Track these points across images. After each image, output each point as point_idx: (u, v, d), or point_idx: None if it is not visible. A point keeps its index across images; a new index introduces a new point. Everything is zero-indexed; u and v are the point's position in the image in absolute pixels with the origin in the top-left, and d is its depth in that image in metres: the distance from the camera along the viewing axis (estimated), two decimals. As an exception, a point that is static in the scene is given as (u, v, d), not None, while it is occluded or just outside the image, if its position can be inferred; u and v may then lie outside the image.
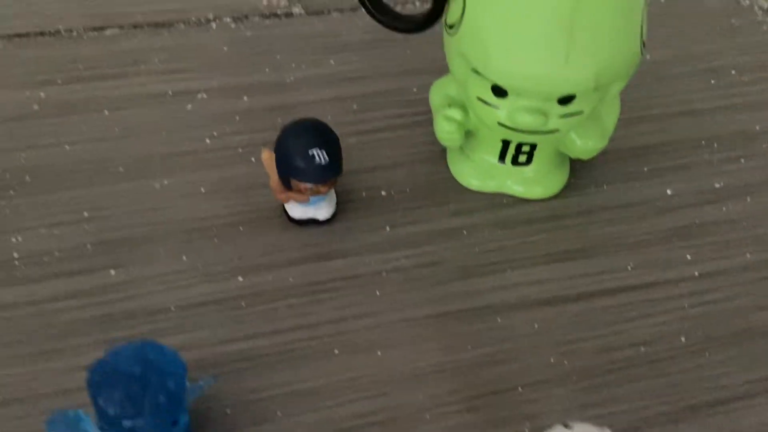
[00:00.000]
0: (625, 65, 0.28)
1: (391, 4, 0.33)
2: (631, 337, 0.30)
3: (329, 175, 0.30)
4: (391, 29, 0.32)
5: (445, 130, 0.32)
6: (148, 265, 0.31)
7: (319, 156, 0.29)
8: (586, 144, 0.32)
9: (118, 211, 0.32)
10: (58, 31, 0.40)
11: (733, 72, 0.42)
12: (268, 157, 0.30)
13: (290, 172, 0.29)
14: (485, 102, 0.29)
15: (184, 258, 0.31)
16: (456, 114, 0.32)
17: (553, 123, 0.29)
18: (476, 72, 0.29)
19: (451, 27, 0.29)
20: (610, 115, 0.32)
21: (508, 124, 0.29)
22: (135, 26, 0.41)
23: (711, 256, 0.33)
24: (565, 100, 0.28)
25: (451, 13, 0.29)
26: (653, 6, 0.45)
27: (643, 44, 0.28)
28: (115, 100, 0.37)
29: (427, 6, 0.31)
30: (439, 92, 0.33)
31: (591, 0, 0.26)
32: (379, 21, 0.32)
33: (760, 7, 0.46)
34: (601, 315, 0.31)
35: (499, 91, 0.28)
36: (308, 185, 0.30)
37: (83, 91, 0.37)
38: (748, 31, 0.44)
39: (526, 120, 0.29)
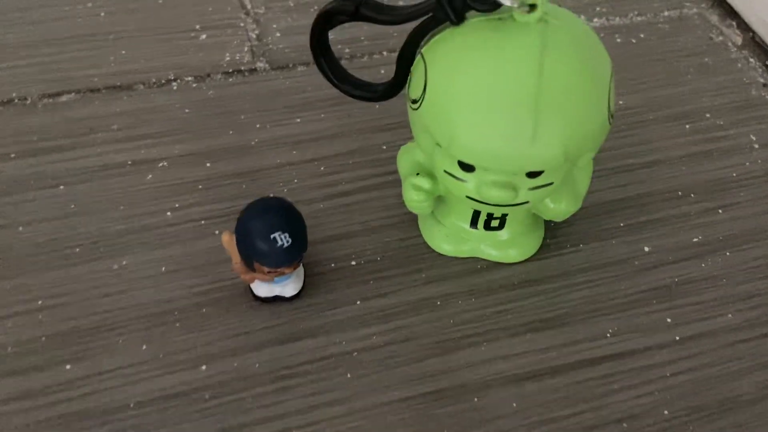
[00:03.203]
0: (593, 138, 0.27)
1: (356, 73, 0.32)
2: (612, 412, 0.29)
3: (293, 257, 0.28)
4: (351, 97, 0.31)
5: (414, 199, 0.31)
6: (105, 357, 0.29)
7: (282, 239, 0.28)
8: (559, 207, 0.31)
9: (74, 298, 0.31)
10: (11, 100, 0.39)
11: (707, 115, 0.41)
12: (228, 239, 0.29)
13: (252, 256, 0.28)
14: (453, 175, 0.28)
15: (144, 347, 0.30)
16: (424, 183, 0.30)
17: (523, 195, 0.28)
18: (442, 146, 0.27)
19: (414, 102, 0.28)
20: (583, 178, 0.31)
21: (476, 197, 0.28)
22: (92, 90, 0.40)
23: (692, 317, 0.32)
24: (534, 174, 0.27)
25: (413, 88, 0.28)
26: (623, 48, 0.44)
27: (611, 115, 0.27)
28: (71, 174, 0.36)
29: (391, 75, 0.30)
30: (406, 158, 0.32)
31: (556, 77, 0.25)
32: (339, 89, 0.31)
33: (734, 43, 0.46)
34: (582, 389, 0.30)
35: (466, 166, 0.27)
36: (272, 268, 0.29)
37: (37, 165, 0.36)
38: (721, 70, 0.44)
39: (495, 194, 0.27)
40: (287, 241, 0.28)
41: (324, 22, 0.29)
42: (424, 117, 0.27)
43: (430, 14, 0.27)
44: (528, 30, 0.25)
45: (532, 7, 0.25)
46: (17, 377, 0.29)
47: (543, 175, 0.27)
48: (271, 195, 0.35)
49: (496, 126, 0.25)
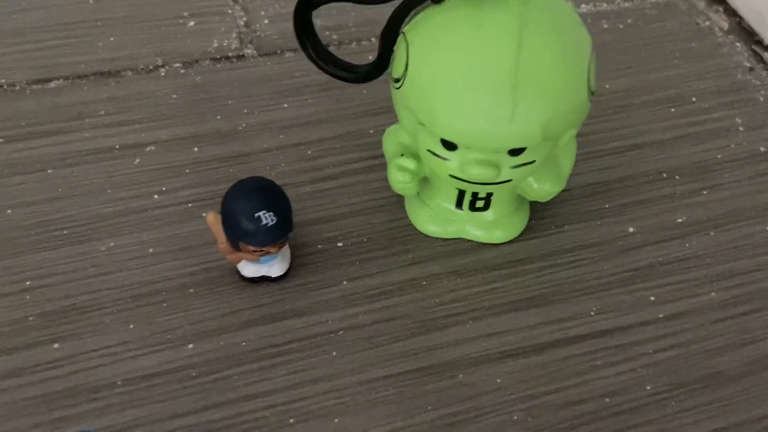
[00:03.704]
0: (572, 115, 0.27)
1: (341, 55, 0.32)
2: (595, 388, 0.29)
3: (278, 236, 0.29)
4: (336, 78, 0.31)
5: (399, 180, 0.31)
6: (93, 336, 0.29)
7: (266, 218, 0.28)
8: (542, 187, 0.31)
9: (61, 279, 0.31)
10: (0, 86, 0.39)
11: (693, 99, 0.41)
12: (213, 219, 0.29)
13: (237, 235, 0.28)
14: (436, 154, 0.28)
15: (132, 326, 0.30)
16: (409, 163, 0.31)
17: (506, 174, 0.28)
18: (424, 125, 0.28)
19: (396, 81, 0.28)
20: (567, 158, 0.31)
21: (459, 176, 0.29)
22: (80, 77, 0.40)
23: (675, 296, 0.32)
24: (515, 152, 0.27)
25: (395, 68, 0.28)
26: (610, 34, 0.45)
27: (592, 92, 0.27)
28: (60, 158, 0.36)
29: (374, 56, 0.30)
30: (391, 140, 0.32)
31: (534, 54, 0.25)
32: (323, 70, 0.31)
33: (720, 28, 0.46)
34: (565, 366, 0.30)
35: (448, 145, 0.28)
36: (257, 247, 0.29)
37: (26, 150, 0.36)
38: (707, 54, 0.44)
39: (478, 172, 0.28)
40: (272, 220, 0.28)
41: (306, 3, 0.29)
42: (406, 96, 0.28)
43: (412, -7, 0.27)
44: (507, 8, 0.26)
45: (512, -16, 0.25)
46: (5, 356, 0.29)
47: (525, 153, 0.28)
48: (258, 178, 0.35)
49: (476, 104, 0.26)
